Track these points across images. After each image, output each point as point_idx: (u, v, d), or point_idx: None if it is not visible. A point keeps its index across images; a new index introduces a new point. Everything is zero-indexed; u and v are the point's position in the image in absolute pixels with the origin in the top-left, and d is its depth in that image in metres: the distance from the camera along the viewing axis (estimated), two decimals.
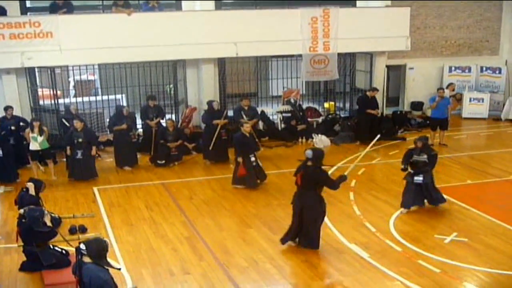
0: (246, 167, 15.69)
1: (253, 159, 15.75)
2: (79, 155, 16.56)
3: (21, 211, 11.20)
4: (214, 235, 12.66)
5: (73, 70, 21.21)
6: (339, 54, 21.93)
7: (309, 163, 11.36)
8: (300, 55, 21.71)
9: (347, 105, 24.30)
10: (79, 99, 21.09)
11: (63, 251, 11.31)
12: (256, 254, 11.64)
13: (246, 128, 15.91)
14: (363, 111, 20.42)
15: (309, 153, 11.39)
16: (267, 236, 12.35)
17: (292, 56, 22.51)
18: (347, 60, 23.42)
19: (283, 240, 11.89)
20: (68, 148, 16.69)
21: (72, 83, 23.71)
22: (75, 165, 16.77)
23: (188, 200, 15.04)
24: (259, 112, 19.99)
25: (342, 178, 11.67)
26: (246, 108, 18.76)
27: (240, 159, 15.73)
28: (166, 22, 19.97)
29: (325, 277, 10.76)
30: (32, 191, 11.97)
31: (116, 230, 13.04)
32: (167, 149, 18.12)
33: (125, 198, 15.36)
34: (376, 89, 20.88)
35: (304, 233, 11.68)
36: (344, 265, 11.11)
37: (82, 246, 7.42)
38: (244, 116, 18.11)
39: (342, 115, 23.18)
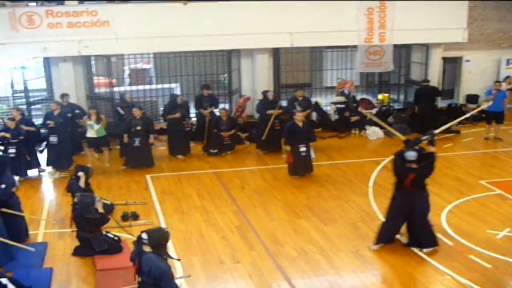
0: (294, 156, 15.74)
1: (303, 149, 15.72)
2: (136, 143, 16.76)
3: (75, 198, 11.39)
4: (264, 225, 12.73)
5: (128, 58, 21.46)
6: (394, 46, 21.70)
7: (413, 165, 10.94)
8: (355, 46, 21.52)
9: (402, 97, 24.05)
10: (134, 88, 21.37)
11: (115, 237, 11.50)
12: (306, 244, 11.66)
13: (298, 117, 15.91)
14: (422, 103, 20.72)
15: (412, 155, 10.89)
16: (317, 227, 12.34)
17: (346, 47, 22.38)
18: (402, 52, 23.20)
19: (379, 241, 11.46)
20: (125, 135, 16.88)
21: (127, 72, 23.99)
22: (132, 153, 16.99)
23: (240, 190, 15.13)
24: (313, 103, 19.94)
25: (431, 135, 11.44)
26: (300, 98, 18.68)
27: (288, 148, 15.80)
28: (221, 11, 19.95)
29: (374, 269, 10.72)
30: (82, 181, 11.94)
31: (168, 218, 13.21)
32: (220, 138, 18.23)
33: (177, 186, 15.52)
34: (426, 81, 21.28)
35: (417, 233, 11.31)
36: (394, 258, 11.04)
37: (144, 236, 7.52)
38: (298, 107, 18.06)
39: (396, 107, 22.98)
